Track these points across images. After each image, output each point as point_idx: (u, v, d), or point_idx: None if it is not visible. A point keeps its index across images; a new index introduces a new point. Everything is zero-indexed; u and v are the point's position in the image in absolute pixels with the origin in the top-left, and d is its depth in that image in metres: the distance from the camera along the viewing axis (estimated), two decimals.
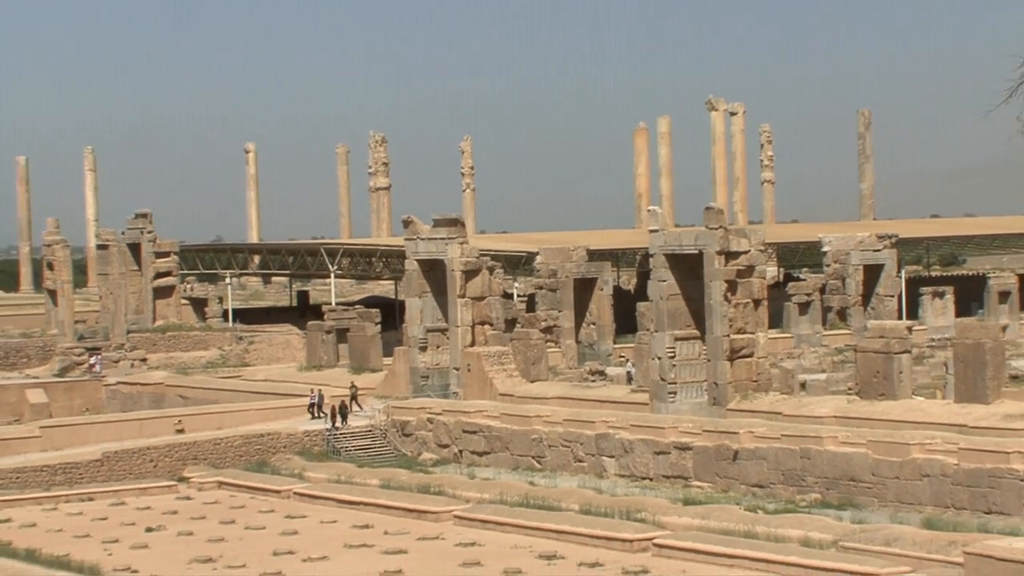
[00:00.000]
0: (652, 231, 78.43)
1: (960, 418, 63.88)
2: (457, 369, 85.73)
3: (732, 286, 73.11)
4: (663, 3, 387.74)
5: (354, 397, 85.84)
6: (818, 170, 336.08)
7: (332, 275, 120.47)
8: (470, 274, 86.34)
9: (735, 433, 69.07)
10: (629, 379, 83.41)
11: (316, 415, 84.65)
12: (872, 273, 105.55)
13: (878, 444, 63.87)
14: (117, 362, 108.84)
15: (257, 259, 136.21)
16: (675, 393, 74.01)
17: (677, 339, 74.27)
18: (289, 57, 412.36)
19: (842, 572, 50.30)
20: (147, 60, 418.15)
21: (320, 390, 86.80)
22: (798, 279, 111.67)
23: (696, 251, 74.01)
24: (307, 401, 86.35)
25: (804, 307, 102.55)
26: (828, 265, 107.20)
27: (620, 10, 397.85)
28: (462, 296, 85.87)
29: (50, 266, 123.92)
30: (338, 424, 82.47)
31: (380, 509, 66.92)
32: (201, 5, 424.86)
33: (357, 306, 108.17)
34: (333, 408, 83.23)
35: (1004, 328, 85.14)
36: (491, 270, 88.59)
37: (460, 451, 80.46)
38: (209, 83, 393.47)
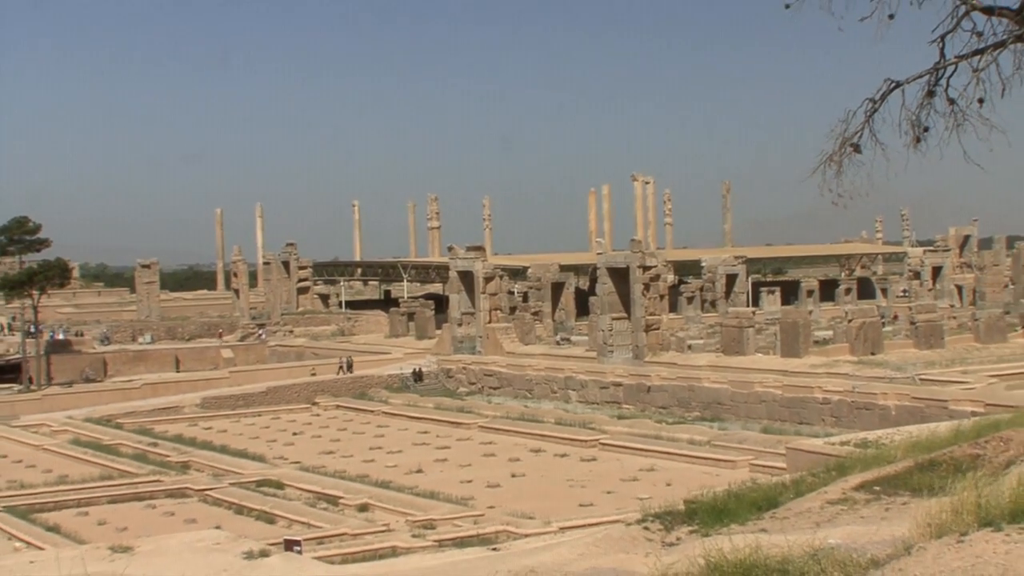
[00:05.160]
0: (598, 253, 78.50)
1: (784, 366, 63.86)
2: (480, 337, 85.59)
3: (647, 287, 72.99)
4: (611, 112, 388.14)
5: (350, 365, 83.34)
6: (697, 216, 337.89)
7: (405, 280, 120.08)
8: (488, 279, 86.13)
9: (648, 376, 69.06)
10: (558, 343, 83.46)
11: (343, 373, 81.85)
12: (731, 279, 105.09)
13: (735, 382, 63.87)
14: (275, 332, 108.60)
15: (359, 270, 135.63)
16: (612, 351, 73.90)
17: (613, 319, 74.17)
18: (382, 146, 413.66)
19: (713, 459, 50.30)
20: (301, 146, 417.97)
21: (348, 357, 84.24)
22: (687, 283, 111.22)
23: (625, 266, 73.90)
24: (345, 362, 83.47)
25: (690, 300, 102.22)
26: (705, 274, 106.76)
27: (582, 114, 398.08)
28: (483, 293, 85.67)
29: (235, 275, 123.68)
30: (413, 379, 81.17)
31: (434, 422, 66.93)
32: (329, 110, 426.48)
33: (420, 299, 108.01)
34: (414, 369, 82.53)
35: (810, 312, 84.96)
36: (501, 277, 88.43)
37: (482, 387, 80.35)
38: (333, 160, 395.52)
